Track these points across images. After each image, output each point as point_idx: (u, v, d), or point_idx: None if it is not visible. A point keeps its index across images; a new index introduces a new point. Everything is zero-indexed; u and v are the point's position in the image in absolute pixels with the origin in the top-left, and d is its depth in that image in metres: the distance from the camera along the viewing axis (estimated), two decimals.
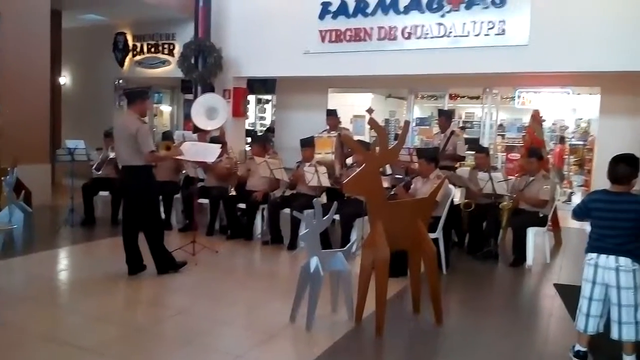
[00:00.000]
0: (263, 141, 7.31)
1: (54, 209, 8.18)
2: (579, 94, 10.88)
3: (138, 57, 11.83)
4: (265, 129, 13.84)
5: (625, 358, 3.27)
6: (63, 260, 5.78)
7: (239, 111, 10.45)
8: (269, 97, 14.11)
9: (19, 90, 7.90)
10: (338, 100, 11.23)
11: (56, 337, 3.63)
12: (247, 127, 12.15)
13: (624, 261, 3.18)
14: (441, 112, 7.56)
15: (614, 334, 3.25)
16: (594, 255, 3.29)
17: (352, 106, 11.70)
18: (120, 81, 12.37)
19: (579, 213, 3.45)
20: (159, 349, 3.58)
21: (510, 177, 6.66)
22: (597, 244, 3.29)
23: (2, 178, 6.00)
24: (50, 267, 5.46)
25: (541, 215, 5.89)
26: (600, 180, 6.86)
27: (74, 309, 4.25)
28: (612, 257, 3.20)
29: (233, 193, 6.60)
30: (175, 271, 5.08)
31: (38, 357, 3.34)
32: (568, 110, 12.01)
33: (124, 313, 4.32)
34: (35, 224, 6.27)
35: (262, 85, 12.52)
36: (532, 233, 5.77)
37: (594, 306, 3.29)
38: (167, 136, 7.49)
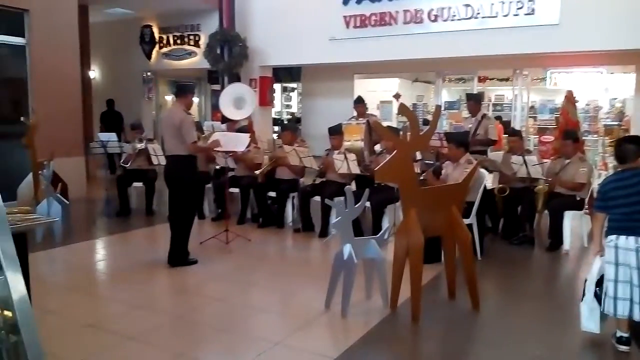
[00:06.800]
0: (292, 129, 7.33)
1: (89, 200, 8.38)
2: (612, 73, 10.54)
3: (165, 49, 11.96)
4: (292, 117, 13.83)
5: None
6: (101, 250, 5.93)
7: (266, 100, 10.48)
8: (294, 85, 14.09)
9: (52, 85, 8.05)
10: (364, 86, 11.13)
11: (98, 325, 3.73)
12: (273, 115, 12.18)
13: None
14: (470, 96, 7.43)
15: (636, 315, 3.17)
16: (613, 237, 3.25)
17: (378, 92, 11.58)
18: (149, 73, 12.53)
19: (601, 205, 3.35)
20: (199, 336, 3.65)
21: (544, 160, 6.52)
22: (619, 225, 3.23)
23: (40, 172, 6.17)
24: (90, 256, 5.62)
25: (578, 198, 5.76)
26: None
27: (115, 297, 4.36)
28: (631, 238, 3.16)
29: (260, 174, 6.62)
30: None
31: (82, 344, 3.44)
32: (601, 90, 11.66)
33: (163, 301, 4.42)
34: (72, 216, 6.43)
35: (287, 74, 12.50)
36: (568, 217, 5.65)
37: (620, 288, 3.22)
38: (197, 127, 7.55)
